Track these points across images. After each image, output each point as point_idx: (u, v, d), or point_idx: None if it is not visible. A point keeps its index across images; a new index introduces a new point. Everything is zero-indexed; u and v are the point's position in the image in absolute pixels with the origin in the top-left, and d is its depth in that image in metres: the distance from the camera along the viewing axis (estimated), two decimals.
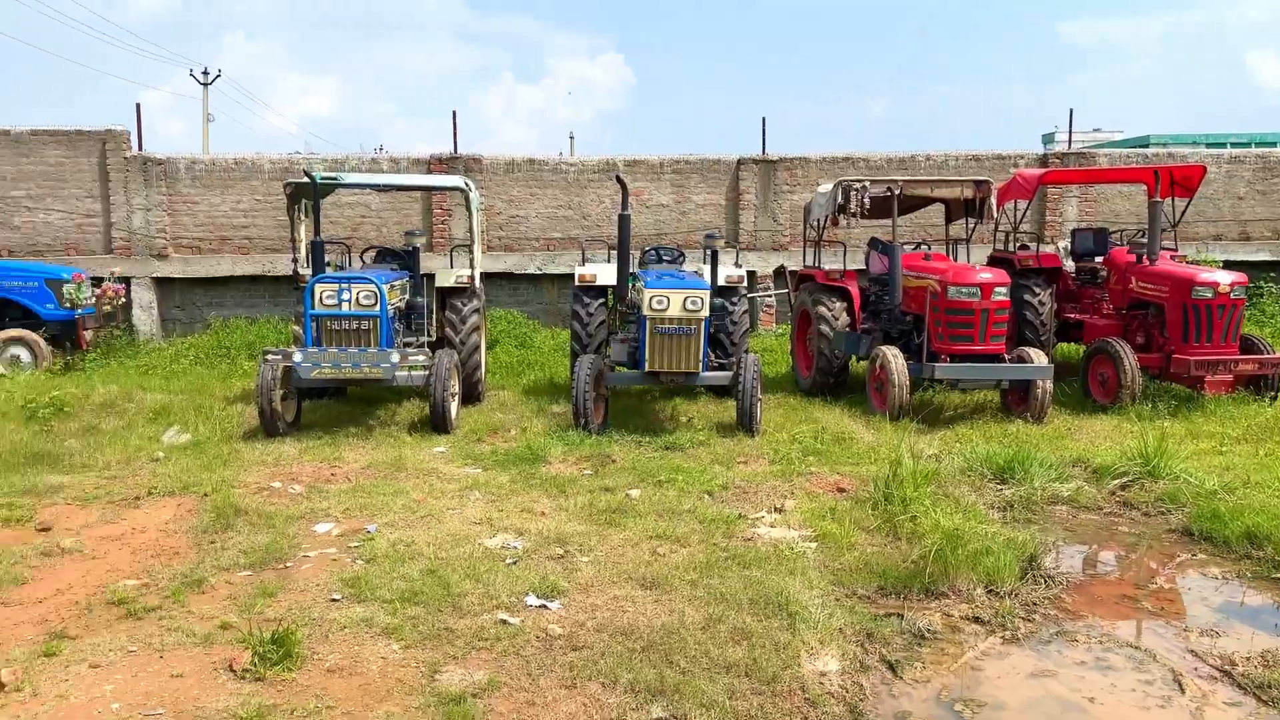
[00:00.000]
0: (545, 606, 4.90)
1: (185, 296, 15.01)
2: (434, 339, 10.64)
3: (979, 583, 5.42)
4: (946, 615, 5.14)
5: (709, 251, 9.86)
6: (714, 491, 7.03)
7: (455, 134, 15.78)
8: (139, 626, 4.61)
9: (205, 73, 41.33)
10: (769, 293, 15.44)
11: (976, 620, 5.10)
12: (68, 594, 5.02)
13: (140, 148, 14.79)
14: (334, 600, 4.94)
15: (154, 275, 14.66)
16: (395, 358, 8.82)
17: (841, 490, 7.10)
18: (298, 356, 8.67)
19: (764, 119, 16.08)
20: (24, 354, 11.64)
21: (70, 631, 4.54)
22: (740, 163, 15.76)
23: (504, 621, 4.70)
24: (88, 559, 5.57)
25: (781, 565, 5.47)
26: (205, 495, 6.75)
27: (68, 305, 12.25)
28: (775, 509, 6.65)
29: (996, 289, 9.58)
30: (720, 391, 10.24)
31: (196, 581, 5.15)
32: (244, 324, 14.40)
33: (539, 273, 15.53)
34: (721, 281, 10.14)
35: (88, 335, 12.49)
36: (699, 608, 4.88)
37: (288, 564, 5.48)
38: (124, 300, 13.96)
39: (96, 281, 13.12)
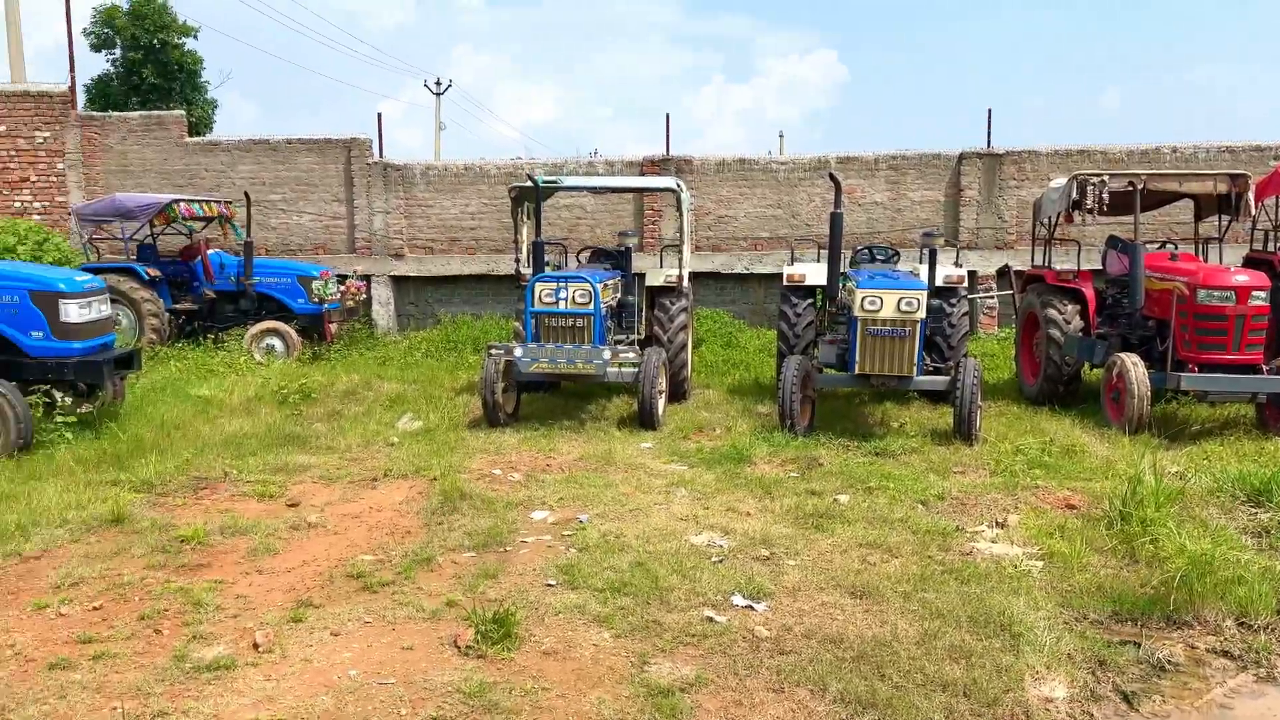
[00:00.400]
0: (751, 607, 4.87)
1: (418, 294, 16.07)
2: (643, 337, 10.84)
3: (1229, 614, 4.92)
4: (1190, 647, 4.70)
5: (926, 250, 9.49)
6: (928, 501, 6.76)
7: (668, 136, 16.05)
8: (374, 599, 4.95)
9: (438, 83, 44.13)
10: (991, 294, 14.70)
11: (1225, 654, 4.63)
12: (312, 565, 5.47)
13: (381, 155, 15.96)
14: (549, 585, 5.12)
15: (391, 273, 15.79)
16: (607, 354, 9.06)
17: (1071, 507, 6.64)
18: (518, 351, 9.07)
19: (989, 111, 15.33)
20: (278, 344, 12.83)
21: (314, 600, 4.94)
22: (962, 157, 15.09)
23: (710, 619, 4.71)
24: (330, 534, 6.04)
25: (1004, 583, 5.18)
26: (434, 479, 7.18)
27: (316, 300, 13.39)
28: (996, 523, 6.30)
29: (1254, 293, 8.67)
30: (936, 397, 9.84)
31: (425, 560, 5.48)
32: (469, 320, 15.24)
33: (746, 272, 15.51)
34: (940, 282, 9.74)
35: (333, 328, 13.60)
36: (913, 621, 4.69)
37: (507, 548, 5.73)
38: (365, 296, 15.12)
39: (341, 279, 14.26)
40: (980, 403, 8.61)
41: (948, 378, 8.79)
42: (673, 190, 10.91)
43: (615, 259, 11.18)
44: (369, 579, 5.19)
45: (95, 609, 4.79)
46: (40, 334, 7.99)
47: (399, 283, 15.95)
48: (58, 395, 8.16)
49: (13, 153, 15.57)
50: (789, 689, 4.05)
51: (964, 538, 6.00)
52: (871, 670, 4.19)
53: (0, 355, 8.03)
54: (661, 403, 9.37)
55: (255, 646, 4.37)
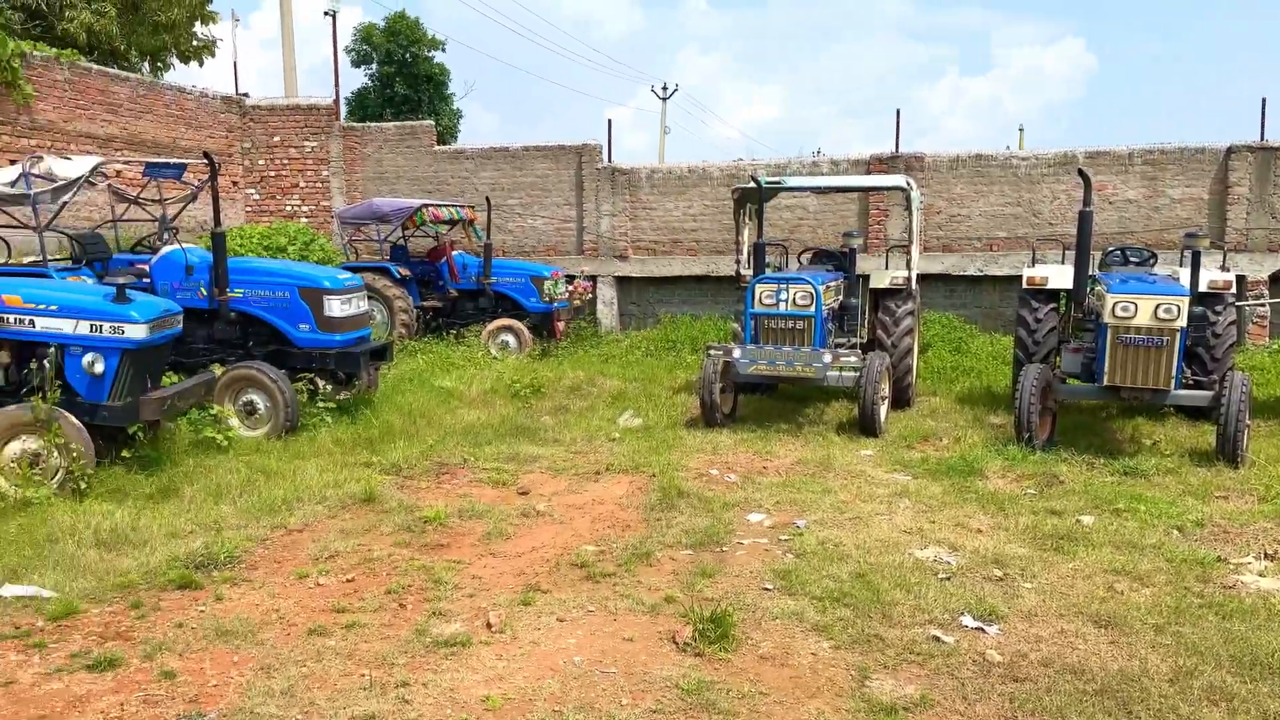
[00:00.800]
0: (982, 629, 4.62)
1: (640, 294, 16.44)
2: (865, 341, 10.58)
3: None
4: None
5: (1189, 253, 8.65)
6: (1185, 528, 6.16)
7: (898, 132, 15.61)
8: (596, 589, 5.10)
9: (664, 88, 45.00)
10: (1263, 302, 13.24)
11: None
12: (540, 552, 5.71)
13: (609, 160, 16.45)
14: (765, 589, 5.09)
15: (615, 274, 16.24)
16: (827, 358, 8.89)
17: None
18: (737, 353, 9.08)
19: (1263, 100, 13.79)
20: (511, 340, 13.51)
21: (542, 586, 5.15)
22: (1231, 151, 13.68)
23: (936, 638, 4.51)
24: (556, 523, 6.29)
25: (1273, 621, 4.64)
26: (653, 476, 7.32)
27: (547, 299, 13.99)
28: (1265, 555, 5.65)
29: None
30: (1195, 413, 8.99)
31: (645, 554, 5.59)
32: (688, 320, 15.43)
33: (979, 274, 14.76)
34: (1203, 287, 8.86)
35: (561, 326, 14.17)
36: (1165, 657, 4.29)
37: (724, 548, 5.75)
38: (590, 296, 15.64)
39: (569, 279, 14.82)
40: (1248, 421, 7.76)
41: (1210, 393, 7.99)
42: (902, 189, 10.56)
43: (838, 260, 10.98)
44: (592, 569, 5.35)
45: (348, 581, 5.21)
46: (307, 327, 8.80)
47: (622, 283, 16.38)
48: (320, 383, 8.97)
49: (285, 161, 17.27)
50: (1023, 719, 3.81)
51: (1226, 569, 5.43)
52: (1116, 706, 3.87)
53: (272, 345, 8.91)
54: (884, 409, 9.09)
55: (488, 626, 4.61)
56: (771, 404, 10.41)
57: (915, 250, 10.49)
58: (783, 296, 9.24)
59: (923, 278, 12.69)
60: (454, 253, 14.61)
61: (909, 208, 10.47)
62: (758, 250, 9.98)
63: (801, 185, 11.69)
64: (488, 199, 14.80)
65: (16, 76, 12.17)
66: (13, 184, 8.17)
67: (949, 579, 5.24)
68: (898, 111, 15.33)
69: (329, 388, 9.08)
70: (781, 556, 5.60)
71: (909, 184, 10.40)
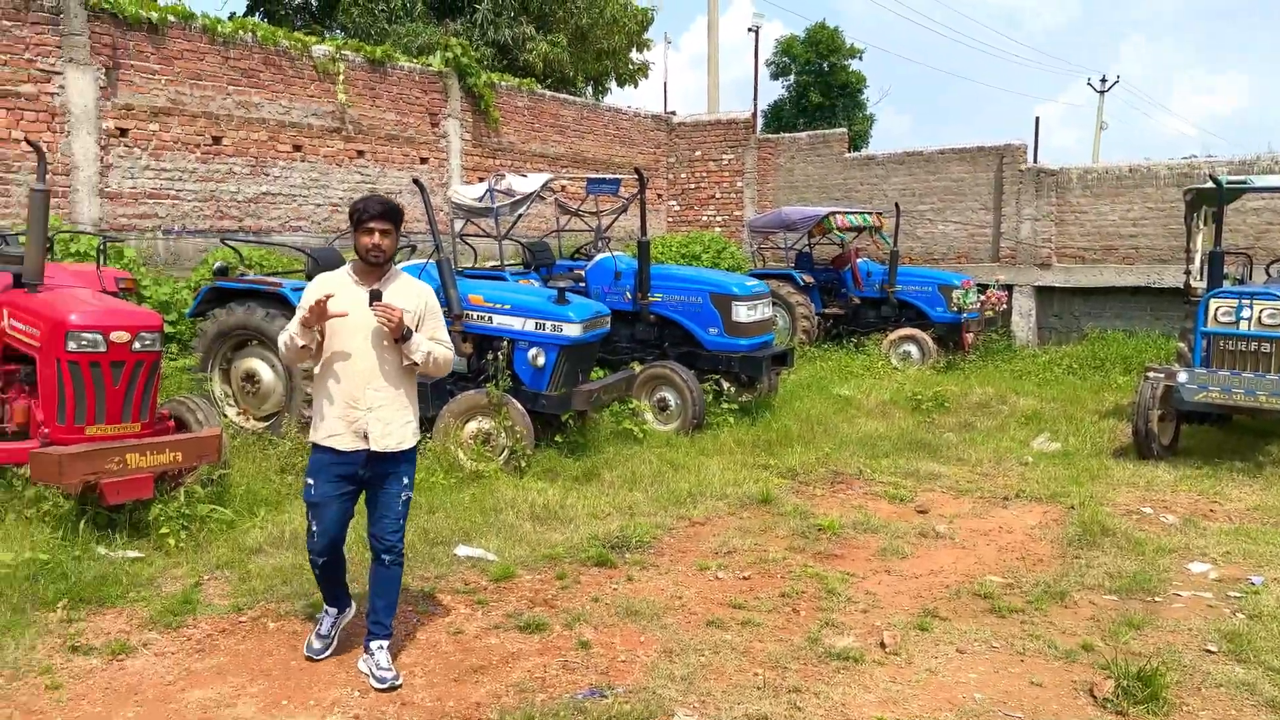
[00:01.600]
0: None
1: (1063, 305, 15.12)
2: None
3: None
4: None
5: None
6: None
7: None
8: (1001, 624, 4.74)
9: (1102, 80, 41.14)
10: None
11: None
12: (939, 576, 5.44)
13: (1034, 160, 15.31)
14: (1208, 651, 4.41)
15: (1035, 283, 15.08)
16: None
17: None
18: (1183, 376, 7.99)
19: None
20: (914, 350, 13.08)
21: (940, 612, 4.89)
22: None
23: None
24: (957, 547, 5.95)
25: None
26: (1071, 507, 6.68)
27: (955, 309, 13.36)
28: None
29: None
30: None
31: (1059, 594, 5.10)
32: (1120, 336, 13.91)
33: None
34: None
35: (969, 338, 13.44)
36: None
37: (1156, 598, 5.07)
38: (1005, 307, 14.66)
39: (981, 288, 14.02)
40: None
41: None
42: None
43: None
44: (997, 601, 4.99)
45: (744, 579, 5.34)
46: (715, 330, 9.20)
47: (1042, 293, 15.16)
48: (725, 384, 9.34)
49: (704, 174, 18.24)
50: None
51: None
52: None
53: (684, 347, 9.43)
54: None
55: (882, 645, 4.47)
56: (1223, 437, 9.03)
57: None
58: (1245, 314, 7.98)
59: None
60: (859, 260, 14.47)
61: None
62: (1214, 259, 8.72)
63: (1275, 185, 10.01)
64: (896, 205, 14.49)
65: (488, 104, 14.12)
66: (480, 199, 9.46)
67: None
68: None
69: (733, 389, 9.41)
70: (1230, 616, 4.83)
71: None
